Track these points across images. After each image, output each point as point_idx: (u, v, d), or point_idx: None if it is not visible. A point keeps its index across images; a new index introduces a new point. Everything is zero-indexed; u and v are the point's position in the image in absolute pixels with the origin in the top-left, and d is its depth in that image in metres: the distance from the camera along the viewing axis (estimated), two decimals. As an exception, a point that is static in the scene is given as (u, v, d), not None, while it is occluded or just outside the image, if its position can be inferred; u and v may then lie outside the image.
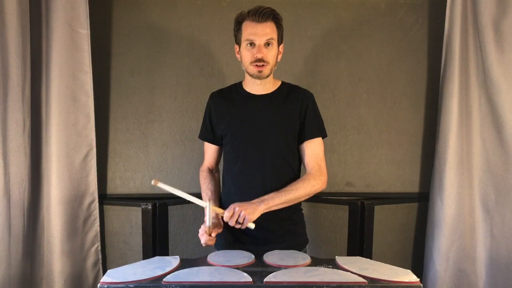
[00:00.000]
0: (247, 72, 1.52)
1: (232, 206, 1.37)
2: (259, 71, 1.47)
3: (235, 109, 1.57)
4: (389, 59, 2.13)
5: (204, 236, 1.40)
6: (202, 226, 1.41)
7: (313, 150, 1.55)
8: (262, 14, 1.43)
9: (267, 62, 1.46)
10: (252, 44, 1.46)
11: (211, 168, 1.69)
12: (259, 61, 1.45)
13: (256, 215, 1.37)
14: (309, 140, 1.55)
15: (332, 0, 2.11)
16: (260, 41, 1.44)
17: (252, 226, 1.37)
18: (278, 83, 1.59)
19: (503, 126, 1.90)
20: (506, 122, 1.89)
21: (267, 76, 1.51)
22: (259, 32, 1.44)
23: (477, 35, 1.94)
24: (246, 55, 1.48)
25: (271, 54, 1.47)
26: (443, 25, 1.98)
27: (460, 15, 1.94)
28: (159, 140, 2.11)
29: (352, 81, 2.14)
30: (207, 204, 1.35)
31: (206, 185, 1.62)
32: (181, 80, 2.10)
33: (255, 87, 1.56)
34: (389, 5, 2.12)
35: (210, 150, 1.66)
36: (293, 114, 1.54)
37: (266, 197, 1.43)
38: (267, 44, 1.46)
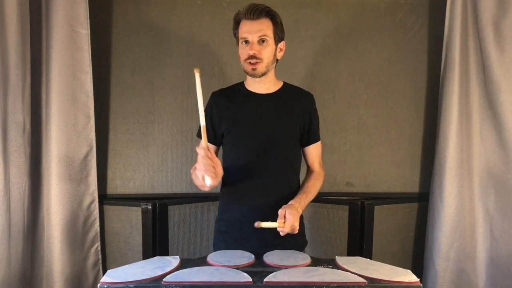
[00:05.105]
0: (244, 70, 1.52)
1: (292, 220, 1.34)
2: (253, 69, 1.46)
3: (237, 107, 1.55)
4: (389, 59, 2.13)
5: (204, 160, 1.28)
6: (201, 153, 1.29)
7: (317, 151, 1.64)
8: (254, 11, 1.43)
9: (261, 59, 1.45)
10: (246, 41, 1.46)
11: None
12: (251, 58, 1.45)
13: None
14: (315, 143, 1.62)
15: (332, 0, 2.11)
16: (253, 38, 1.44)
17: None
18: (281, 84, 1.59)
19: (503, 126, 1.90)
20: (506, 122, 1.89)
21: (263, 74, 1.49)
22: (252, 29, 1.44)
23: (477, 35, 1.94)
24: (241, 53, 1.49)
25: (266, 51, 1.46)
26: (443, 25, 1.98)
27: (460, 15, 1.94)
28: (159, 140, 2.11)
29: (352, 81, 2.14)
30: (203, 125, 1.31)
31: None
32: (181, 80, 2.10)
33: (257, 86, 1.55)
34: (389, 5, 2.12)
35: None
36: (297, 116, 1.55)
37: (299, 202, 1.43)
38: (261, 41, 1.45)
